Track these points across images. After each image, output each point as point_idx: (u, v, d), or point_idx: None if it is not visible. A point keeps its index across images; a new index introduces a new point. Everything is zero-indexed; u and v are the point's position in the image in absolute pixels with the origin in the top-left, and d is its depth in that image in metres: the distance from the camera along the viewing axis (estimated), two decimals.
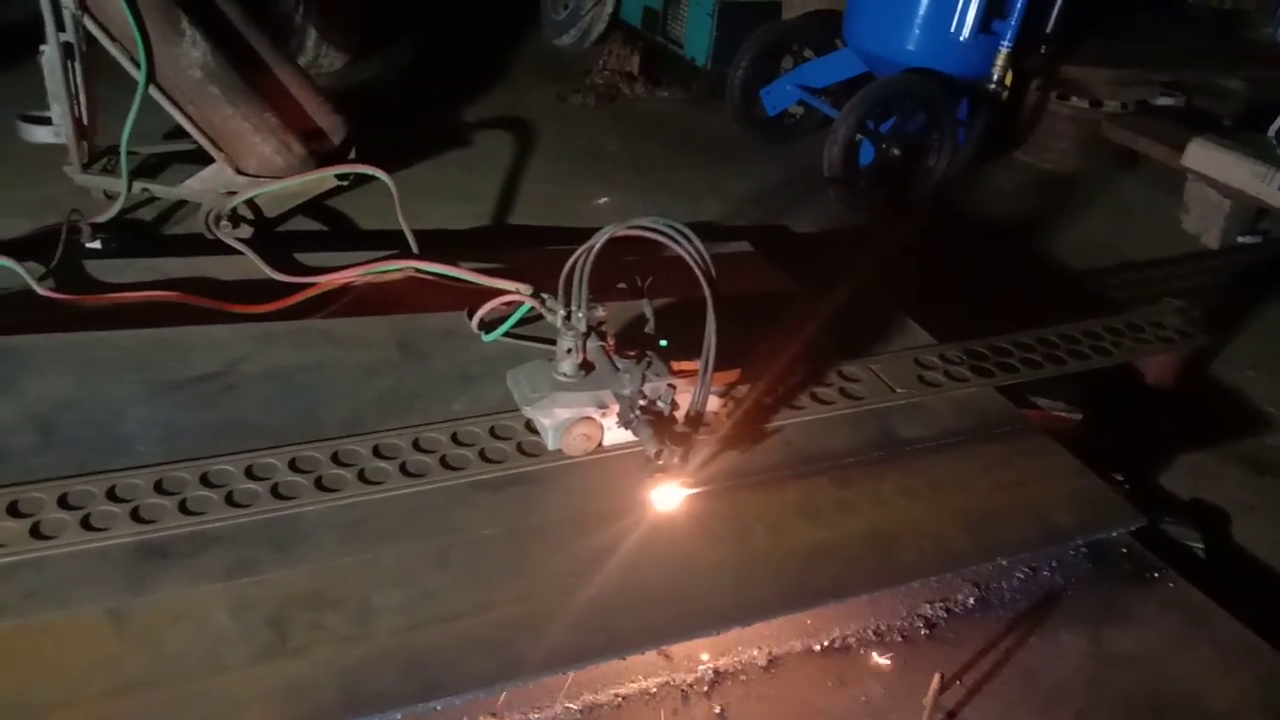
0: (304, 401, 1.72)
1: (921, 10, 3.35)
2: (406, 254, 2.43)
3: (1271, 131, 3.59)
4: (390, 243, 2.54)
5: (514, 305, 1.91)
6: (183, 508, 1.44)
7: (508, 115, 4.08)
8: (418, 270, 2.34)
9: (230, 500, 1.46)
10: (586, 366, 1.67)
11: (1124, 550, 1.74)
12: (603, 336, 1.69)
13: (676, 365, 1.69)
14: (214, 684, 1.20)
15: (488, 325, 1.98)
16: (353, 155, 2.93)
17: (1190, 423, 2.44)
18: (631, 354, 1.71)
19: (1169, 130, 3.91)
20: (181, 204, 2.90)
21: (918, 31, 3.37)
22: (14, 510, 1.40)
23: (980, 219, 3.86)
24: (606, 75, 4.68)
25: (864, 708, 1.40)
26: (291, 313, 2.12)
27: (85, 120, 2.63)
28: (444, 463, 1.60)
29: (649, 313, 1.78)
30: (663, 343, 1.76)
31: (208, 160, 2.89)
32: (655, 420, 1.52)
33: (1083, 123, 4.36)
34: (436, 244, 2.54)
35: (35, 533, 1.37)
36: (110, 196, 2.74)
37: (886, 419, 1.88)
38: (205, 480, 1.50)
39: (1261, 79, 4.77)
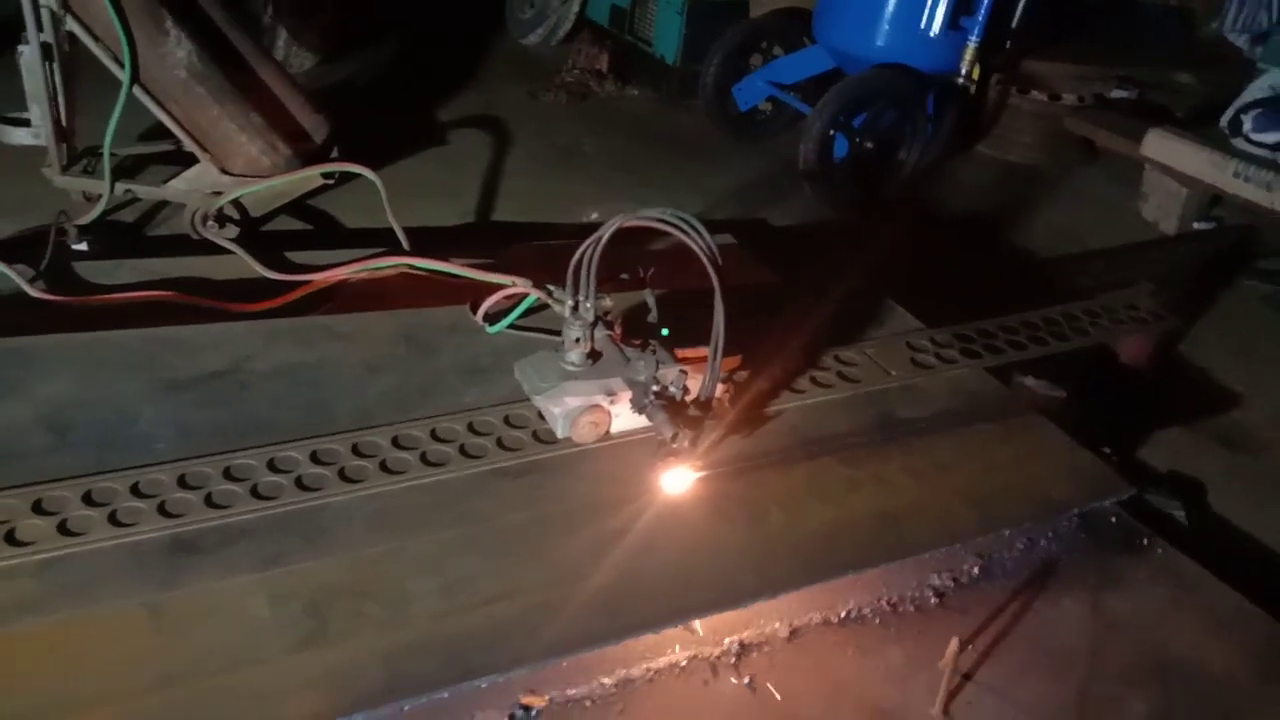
0: (315, 396, 1.74)
1: (891, 7, 3.43)
2: (397, 251, 2.43)
3: (1224, 122, 3.73)
4: (378, 240, 2.55)
5: (518, 298, 1.94)
6: (209, 501, 1.45)
7: (482, 114, 4.09)
8: (410, 266, 2.36)
9: (255, 493, 1.47)
10: (594, 355, 1.71)
11: (1113, 519, 1.82)
12: (610, 326, 1.73)
13: (680, 353, 1.73)
14: (258, 673, 1.21)
15: (491, 318, 2.00)
16: (335, 154, 2.93)
17: (1163, 400, 2.54)
18: (636, 343, 1.75)
19: (1127, 122, 4.04)
20: (163, 205, 2.87)
21: (888, 28, 3.45)
22: (39, 508, 1.40)
23: (948, 210, 3.96)
24: (577, 74, 4.70)
25: (885, 674, 1.46)
26: (288, 311, 2.12)
27: (65, 121, 2.59)
28: (463, 451, 1.63)
29: (652, 302, 1.83)
30: (664, 331, 1.80)
31: (185, 161, 2.87)
32: (668, 405, 1.56)
33: (1043, 116, 4.48)
34: (424, 241, 2.55)
35: (63, 529, 1.37)
36: (90, 198, 2.71)
37: (884, 401, 1.94)
38: (228, 474, 1.50)
39: (1209, 74, 4.95)
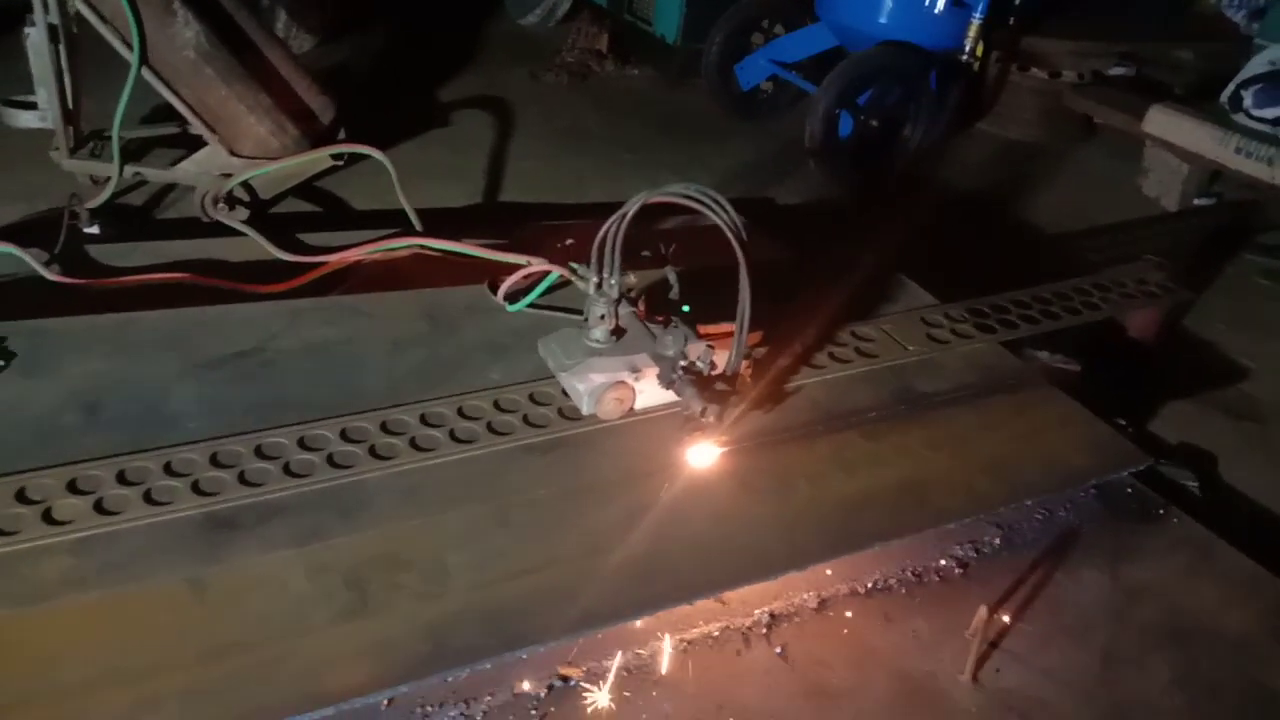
0: (343, 374, 1.75)
1: None
2: (408, 232, 2.44)
3: (1224, 98, 3.75)
4: (388, 221, 2.55)
5: (537, 277, 1.94)
6: (242, 479, 1.46)
7: (484, 95, 4.07)
8: (422, 247, 2.36)
9: (288, 470, 1.49)
10: (618, 332, 1.72)
11: (1129, 490, 1.84)
12: (633, 303, 1.74)
13: (701, 329, 1.74)
14: (304, 644, 1.23)
15: (510, 297, 2.01)
16: (343, 135, 2.92)
17: (1171, 373, 2.57)
18: (659, 319, 1.76)
19: (1129, 99, 4.06)
20: (170, 188, 2.87)
21: (892, 5, 3.45)
22: (74, 488, 1.41)
23: (953, 187, 3.97)
24: (577, 54, 4.69)
25: (914, 642, 1.48)
26: (304, 292, 2.12)
27: (71, 104, 2.58)
28: (490, 428, 1.64)
29: (673, 279, 1.84)
30: (685, 308, 1.82)
31: (190, 143, 2.86)
32: (697, 380, 1.58)
33: (1043, 94, 4.50)
34: (434, 221, 2.55)
35: (100, 509, 1.38)
36: (96, 181, 2.70)
37: (902, 375, 1.96)
38: (260, 452, 1.51)
39: (1208, 50, 4.96)
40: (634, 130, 4.03)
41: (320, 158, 2.70)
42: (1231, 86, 3.71)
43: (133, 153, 2.92)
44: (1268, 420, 2.52)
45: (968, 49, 3.51)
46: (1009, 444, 1.82)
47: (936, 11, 3.41)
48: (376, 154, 2.67)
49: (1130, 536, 1.75)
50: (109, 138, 2.78)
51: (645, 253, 1.79)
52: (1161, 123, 3.72)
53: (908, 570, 1.59)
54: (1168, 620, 1.58)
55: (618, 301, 1.67)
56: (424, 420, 1.64)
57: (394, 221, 2.56)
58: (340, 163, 2.75)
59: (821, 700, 1.37)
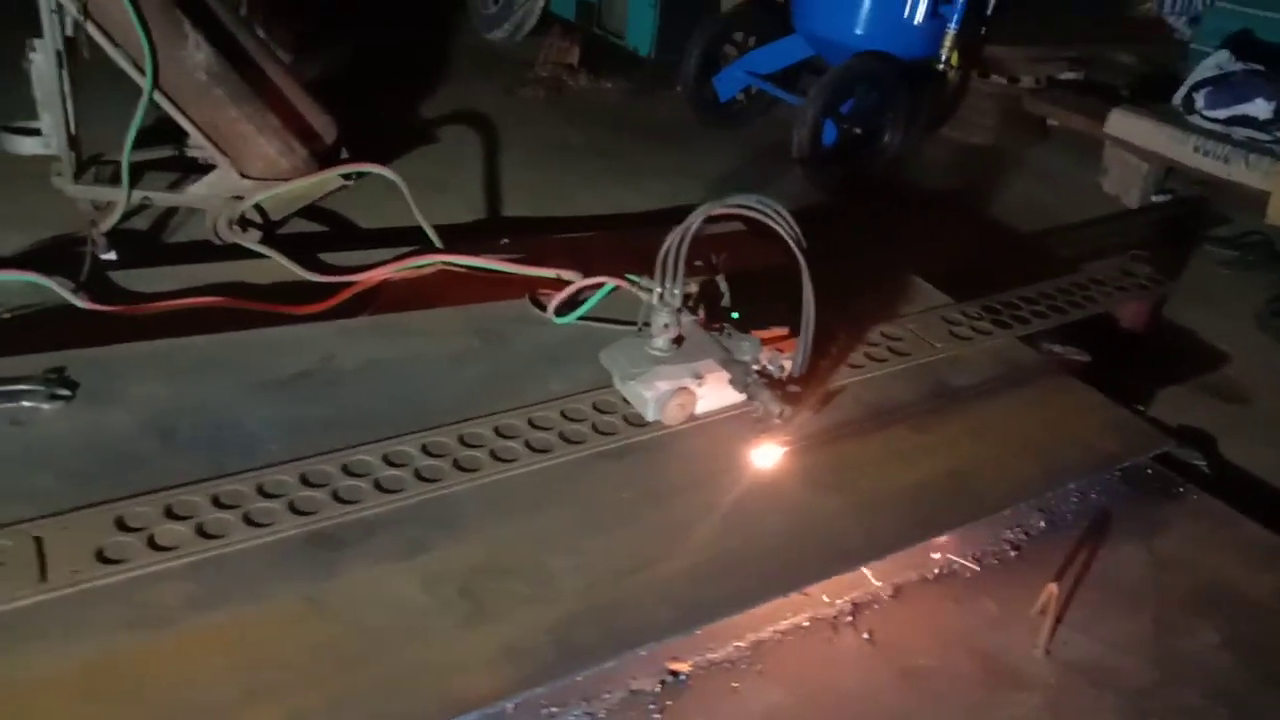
0: (408, 391, 1.77)
1: None
2: (427, 249, 2.46)
3: (1177, 99, 3.97)
4: (400, 239, 2.57)
5: (591, 289, 1.99)
6: (336, 497, 1.48)
7: (463, 110, 4.09)
8: (446, 264, 2.39)
9: (379, 486, 1.51)
10: (678, 340, 1.78)
11: (1149, 471, 1.97)
12: (693, 311, 1.80)
13: (756, 334, 1.82)
14: (433, 652, 1.26)
15: (557, 310, 2.05)
16: (345, 154, 2.92)
17: (1159, 361, 2.72)
18: (715, 326, 1.83)
19: (1086, 102, 4.27)
20: (173, 211, 2.83)
21: (870, 17, 3.58)
22: (172, 513, 1.41)
23: (925, 191, 4.13)
24: (550, 68, 4.73)
25: (984, 622, 1.57)
26: (339, 311, 2.13)
27: (73, 129, 2.54)
28: (563, 437, 1.69)
29: (724, 287, 1.91)
30: (735, 315, 1.89)
31: (184, 166, 2.85)
32: (770, 383, 1.64)
33: (1002, 98, 4.69)
34: (445, 237, 2.58)
35: (202, 533, 1.38)
36: (99, 207, 2.66)
37: (935, 371, 2.06)
38: (347, 470, 1.53)
39: (1147, 53, 5.23)
40: (616, 142, 4.09)
41: (331, 178, 2.70)
42: (1184, 89, 3.93)
43: (132, 177, 2.88)
44: (1250, 400, 2.69)
45: (944, 58, 3.66)
46: (1042, 432, 1.92)
47: (916, 22, 3.55)
48: (388, 173, 2.68)
49: (1158, 514, 1.87)
50: (109, 162, 2.75)
51: (698, 262, 1.85)
52: (1122, 124, 3.92)
53: (968, 555, 1.68)
54: (1205, 588, 1.70)
55: (679, 310, 1.73)
56: (498, 432, 1.67)
57: (406, 238, 2.58)
58: (350, 182, 2.76)
59: (912, 680, 1.45)
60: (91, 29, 2.32)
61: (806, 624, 1.50)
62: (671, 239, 1.69)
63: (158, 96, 2.44)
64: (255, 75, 2.64)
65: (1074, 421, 1.97)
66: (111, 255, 2.36)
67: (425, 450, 1.60)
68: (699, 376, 1.75)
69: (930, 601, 1.60)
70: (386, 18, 5.17)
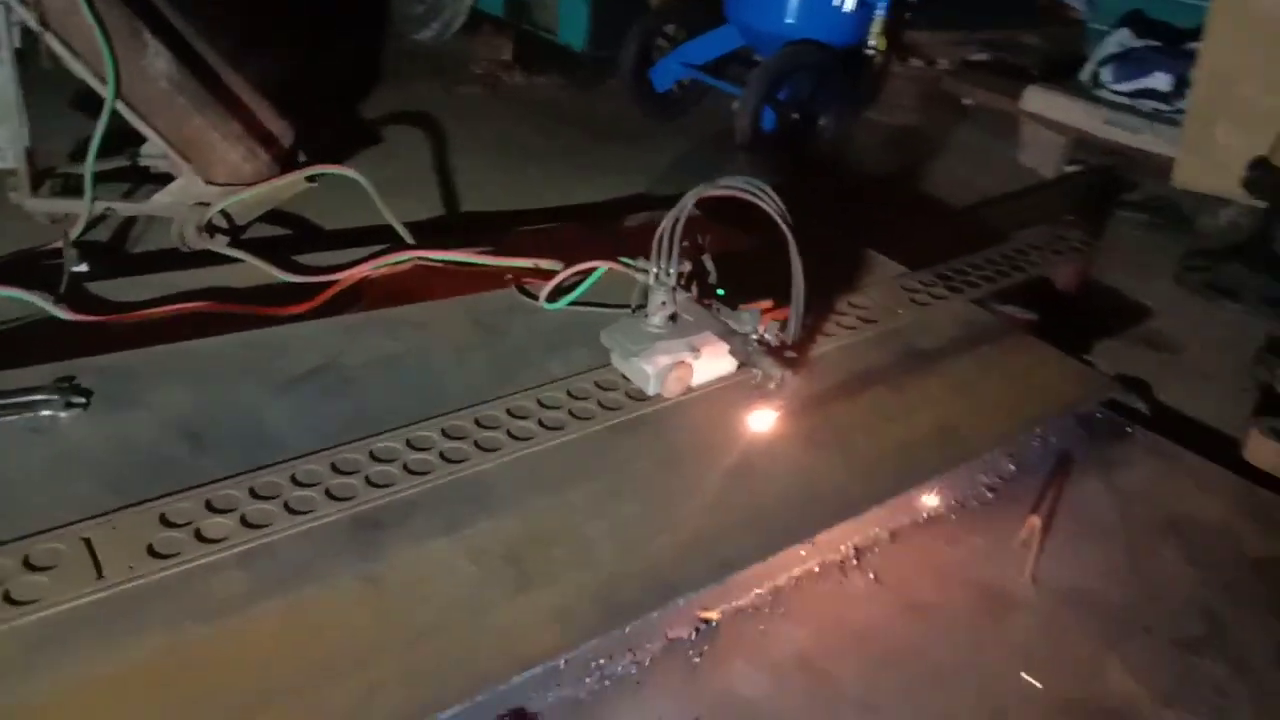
0: (420, 381, 1.83)
1: None
2: (399, 246, 2.50)
3: (1085, 75, 4.23)
4: (368, 237, 2.61)
5: (583, 274, 2.07)
6: (369, 482, 1.54)
7: (405, 110, 4.11)
8: (422, 259, 2.44)
9: (408, 470, 1.57)
10: (673, 317, 1.88)
11: (1099, 415, 2.15)
12: (686, 289, 1.90)
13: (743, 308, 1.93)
14: (493, 618, 1.34)
15: (549, 296, 2.13)
16: (303, 158, 2.93)
17: (1093, 317, 2.94)
18: (705, 302, 1.93)
19: (1000, 81, 4.51)
20: (132, 221, 2.81)
21: (801, 6, 3.73)
22: (213, 507, 1.45)
23: (860, 171, 4.31)
24: (484, 65, 4.77)
25: (974, 557, 1.72)
26: (325, 310, 2.17)
27: (29, 143, 2.50)
28: (573, 415, 1.77)
29: (710, 265, 2.02)
30: (720, 291, 2.00)
31: (137, 175, 2.83)
32: (770, 351, 1.76)
33: (920, 81, 4.92)
34: (416, 234, 2.63)
35: (247, 523, 1.43)
36: (56, 221, 2.63)
37: (902, 335, 2.20)
38: (375, 457, 1.59)
39: (1049, 33, 5.54)
40: (562, 136, 4.16)
41: (296, 180, 2.72)
42: (1090, 65, 4.19)
43: (77, 189, 2.84)
44: (1180, 349, 2.93)
45: (872, 43, 3.83)
46: (1006, 384, 2.09)
47: (846, 10, 3.71)
48: (353, 174, 2.71)
49: (1111, 453, 2.05)
50: (63, 175, 2.72)
51: (684, 242, 1.94)
52: (1038, 101, 4.16)
53: (952, 499, 1.83)
54: (1162, 514, 1.89)
55: (674, 289, 1.83)
56: (511, 413, 1.75)
57: (373, 237, 2.62)
58: (315, 184, 2.77)
59: (919, 613, 1.59)
60: (50, 39, 2.29)
61: (817, 569, 1.63)
62: (666, 221, 1.79)
63: (120, 106, 2.42)
64: (213, 81, 2.63)
65: (1033, 373, 2.14)
66: (83, 267, 2.34)
67: (445, 434, 1.67)
68: (695, 350, 1.86)
69: (924, 542, 1.74)
70: (306, 22, 5.11)
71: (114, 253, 2.68)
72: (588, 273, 2.03)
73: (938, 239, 3.12)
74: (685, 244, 2.01)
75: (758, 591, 1.55)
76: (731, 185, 1.77)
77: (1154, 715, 1.45)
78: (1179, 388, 2.63)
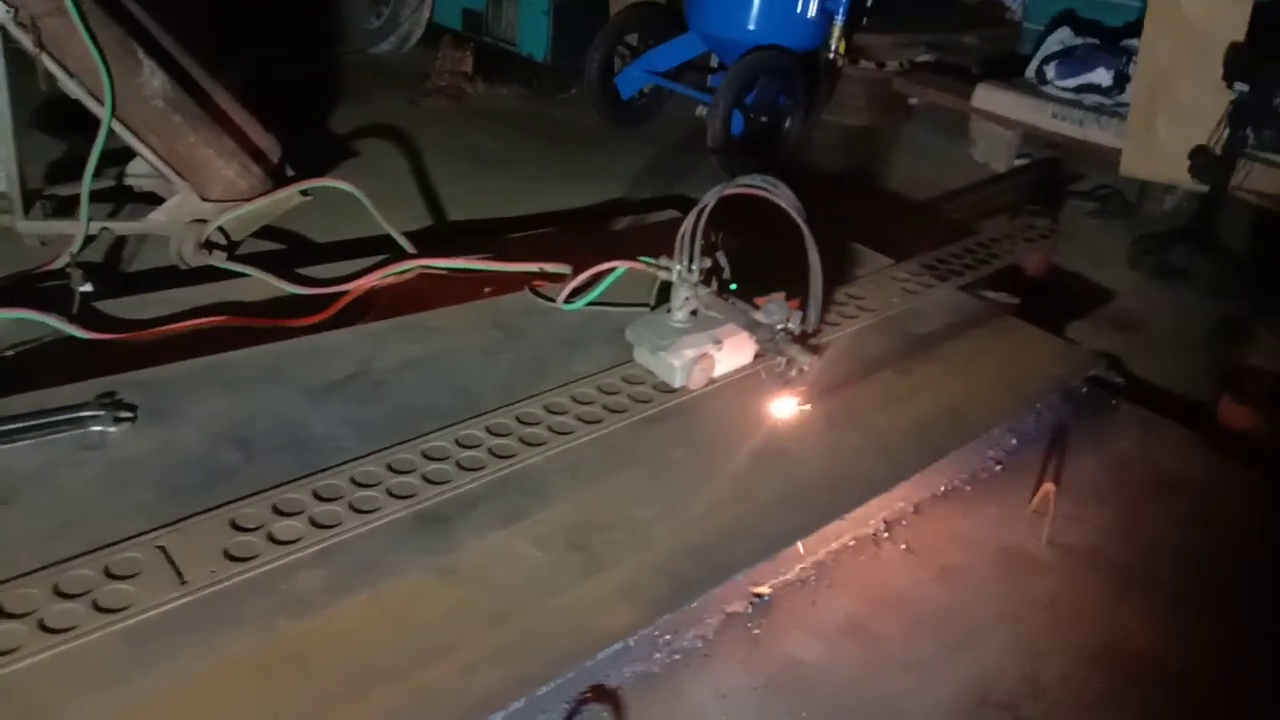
0: (452, 382, 1.88)
1: None
2: (399, 255, 2.55)
3: (1030, 73, 4.44)
4: (366, 249, 2.65)
5: (602, 274, 2.13)
6: (426, 480, 1.58)
7: (375, 124, 4.13)
8: (426, 267, 2.49)
9: (461, 466, 1.63)
10: (694, 312, 1.96)
11: (1084, 389, 2.29)
12: (707, 283, 1.99)
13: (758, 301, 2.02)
14: (567, 599, 1.40)
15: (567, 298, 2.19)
16: (291, 172, 2.95)
17: (1062, 300, 3.11)
18: (721, 297, 2.02)
19: (948, 81, 4.70)
20: (124, 240, 2.79)
21: (763, 13, 3.86)
22: (279, 511, 1.49)
23: (819, 169, 4.45)
24: (447, 77, 4.80)
25: (992, 524, 1.83)
26: (339, 321, 2.20)
27: (19, 165, 2.49)
28: (607, 409, 1.84)
29: (724, 261, 2.10)
30: (733, 285, 2.09)
31: (124, 195, 2.82)
32: (795, 339, 1.85)
33: (871, 82, 5.09)
34: (411, 244, 2.67)
35: (316, 524, 1.47)
36: (45, 243, 2.62)
37: (900, 322, 2.32)
38: (427, 456, 1.64)
39: (987, 34, 5.78)
40: (531, 145, 4.23)
41: (291, 194, 2.74)
42: (1035, 63, 4.40)
43: (70, 209, 2.82)
44: (1142, 326, 3.11)
45: (832, 48, 3.98)
46: (1003, 364, 2.21)
47: (808, 17, 3.85)
48: (347, 187, 2.74)
49: (1100, 423, 2.19)
50: (50, 196, 2.70)
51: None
52: (988, 98, 4.36)
53: (964, 473, 1.94)
54: (1154, 475, 2.03)
55: (696, 285, 1.91)
56: (549, 410, 1.81)
57: (370, 248, 2.66)
58: (310, 198, 2.80)
59: (951, 577, 1.69)
60: (46, 60, 2.29)
61: (852, 543, 1.72)
62: (689, 220, 1.87)
63: (116, 125, 2.42)
64: (204, 99, 2.65)
65: (1025, 353, 2.27)
66: (88, 287, 2.33)
67: (490, 431, 1.72)
68: (718, 342, 1.94)
69: (945, 512, 1.84)
70: (261, 39, 5.08)
71: (112, 272, 2.66)
72: (605, 274, 2.10)
73: (909, 232, 3.27)
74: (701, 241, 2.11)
75: (801, 566, 1.64)
76: (749, 183, 1.85)
77: (1171, 660, 1.57)
78: (1147, 362, 2.80)
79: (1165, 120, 3.76)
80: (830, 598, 1.60)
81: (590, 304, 2.16)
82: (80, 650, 1.23)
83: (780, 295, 1.96)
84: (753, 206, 1.92)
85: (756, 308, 1.98)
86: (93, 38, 2.28)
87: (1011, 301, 2.59)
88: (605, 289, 2.14)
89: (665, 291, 2.03)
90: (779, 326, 1.84)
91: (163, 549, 1.39)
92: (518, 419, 1.77)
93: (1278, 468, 2.07)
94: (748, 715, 1.39)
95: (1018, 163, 4.60)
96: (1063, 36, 4.39)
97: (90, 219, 2.58)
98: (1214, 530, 1.90)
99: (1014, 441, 2.07)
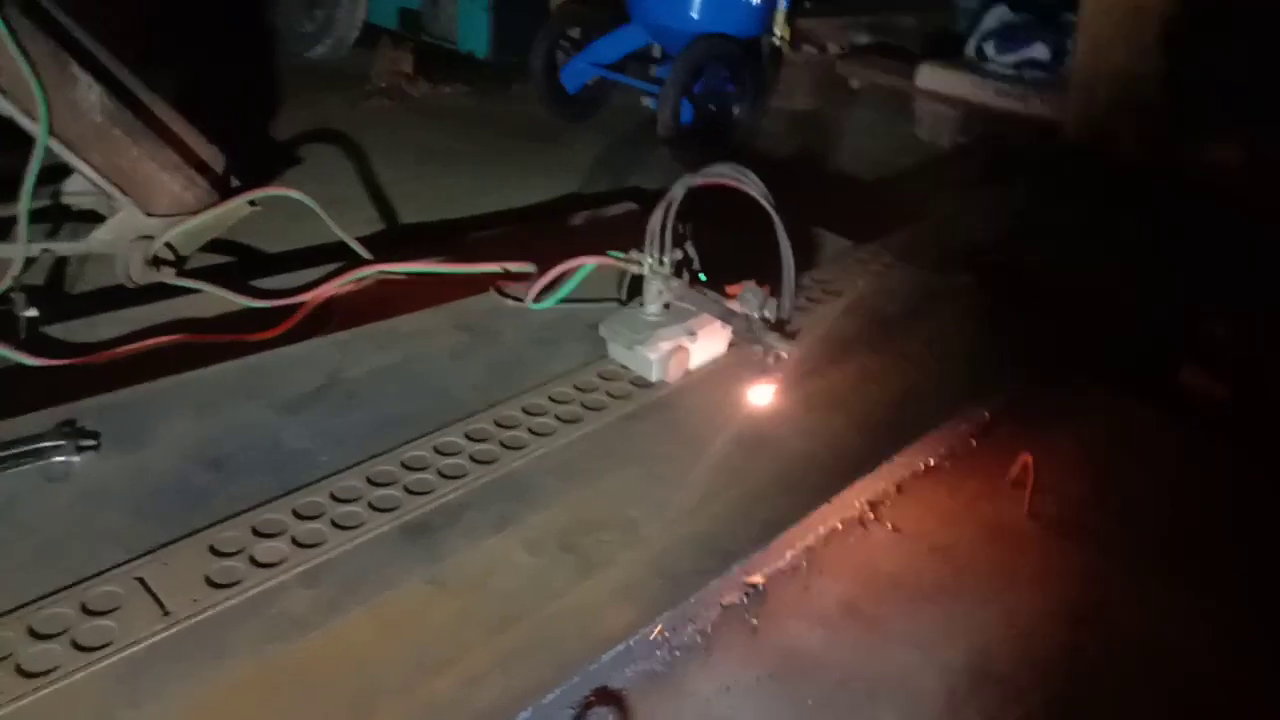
0: (427, 388, 1.84)
1: None
2: (356, 262, 2.49)
3: (970, 51, 4.49)
4: (321, 257, 2.59)
5: (569, 272, 2.10)
6: (408, 491, 1.55)
7: (317, 128, 4.03)
8: (385, 273, 2.44)
9: (442, 474, 1.59)
10: (666, 305, 1.95)
11: (1049, 362, 2.32)
12: (678, 275, 1.97)
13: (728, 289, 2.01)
14: (566, 602, 1.38)
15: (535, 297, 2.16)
16: (236, 182, 2.87)
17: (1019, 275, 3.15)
18: (694, 288, 2.01)
19: (889, 62, 4.75)
20: (64, 261, 2.69)
21: (706, 1, 3.85)
22: (259, 533, 1.44)
23: (770, 155, 4.46)
24: (387, 78, 4.71)
25: (975, 498, 1.85)
26: (299, 332, 2.15)
27: None
28: (585, 407, 1.82)
29: (692, 252, 2.09)
30: (702, 276, 2.08)
31: (61, 215, 2.71)
32: (773, 327, 1.84)
33: (814, 66, 5.12)
34: (371, 248, 2.62)
35: (299, 544, 1.43)
36: None
37: (868, 304, 2.33)
38: (407, 466, 1.61)
39: (921, 15, 5.85)
40: (478, 142, 4.17)
41: (239, 206, 2.65)
42: (974, 41, 4.46)
43: (7, 232, 2.70)
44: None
45: (777, 34, 3.98)
46: (972, 340, 2.24)
47: (754, 3, 3.85)
48: (296, 194, 2.67)
49: (1063, 398, 2.22)
50: None
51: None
52: (931, 78, 4.40)
53: (943, 450, 1.96)
54: (1119, 449, 2.07)
55: (668, 278, 1.90)
56: (527, 412, 1.78)
57: (324, 256, 2.60)
58: (258, 208, 2.72)
59: (940, 555, 1.70)
60: None
61: (840, 526, 1.72)
62: (657, 212, 1.85)
63: (53, 143, 2.32)
64: (143, 111, 2.55)
65: (988, 329, 2.30)
66: (33, 312, 2.24)
67: (469, 437, 1.69)
68: (692, 334, 1.93)
69: (927, 490, 1.86)
70: (191, 46, 4.94)
71: (57, 295, 2.56)
72: (573, 271, 2.07)
73: (868, 211, 3.30)
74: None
75: (792, 554, 1.63)
76: (718, 173, 1.84)
77: (1153, 621, 1.60)
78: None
79: (1105, 89, 3.83)
80: (824, 583, 1.60)
81: (561, 302, 2.13)
82: (63, 693, 1.17)
83: (753, 283, 1.95)
84: (708, 194, 1.92)
85: (728, 297, 1.97)
86: (23, 51, 2.18)
87: (972, 280, 2.62)
88: (574, 286, 2.11)
89: (636, 285, 2.02)
90: (755, 316, 1.84)
91: (141, 580, 1.34)
92: (496, 423, 1.74)
93: (1241, 434, 2.12)
94: (753, 706, 1.38)
95: (962, 140, 4.65)
96: (1000, 14, 4.46)
97: (30, 240, 2.48)
98: (1192, 490, 1.94)
99: (986, 415, 2.09)
